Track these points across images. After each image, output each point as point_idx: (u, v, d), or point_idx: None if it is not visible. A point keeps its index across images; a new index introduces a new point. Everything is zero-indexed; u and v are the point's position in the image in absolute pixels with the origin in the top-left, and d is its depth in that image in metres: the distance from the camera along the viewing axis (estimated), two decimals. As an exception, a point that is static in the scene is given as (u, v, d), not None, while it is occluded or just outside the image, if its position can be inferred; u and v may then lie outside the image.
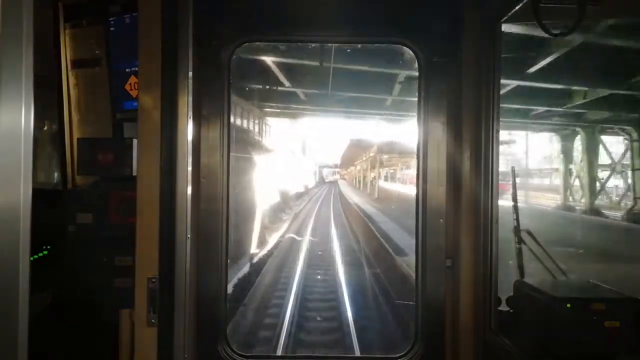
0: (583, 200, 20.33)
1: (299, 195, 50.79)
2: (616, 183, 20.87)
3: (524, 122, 18.13)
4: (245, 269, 10.29)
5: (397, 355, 3.11)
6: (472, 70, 2.89)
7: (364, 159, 46.20)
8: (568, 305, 2.38)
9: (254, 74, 11.33)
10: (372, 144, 35.87)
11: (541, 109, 16.28)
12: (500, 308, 2.79)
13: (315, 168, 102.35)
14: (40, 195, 1.58)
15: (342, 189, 66.24)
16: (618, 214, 18.83)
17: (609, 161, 20.33)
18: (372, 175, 44.17)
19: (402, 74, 11.53)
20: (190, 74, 2.68)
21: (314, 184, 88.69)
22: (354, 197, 35.22)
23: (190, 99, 2.68)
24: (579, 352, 2.36)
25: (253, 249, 12.13)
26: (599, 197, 20.34)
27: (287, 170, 43.85)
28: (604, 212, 19.40)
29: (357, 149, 44.60)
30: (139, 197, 2.40)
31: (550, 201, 22.80)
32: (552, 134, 21.34)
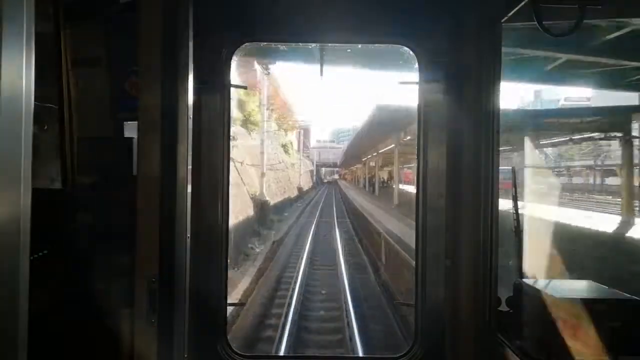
0: None
1: (288, 203, 40.56)
2: None
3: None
4: None
5: (397, 355, 3.11)
6: (473, 70, 2.89)
7: (383, 150, 36.02)
8: (568, 305, 2.38)
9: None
10: (407, 122, 22.46)
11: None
12: (500, 308, 2.79)
13: (312, 167, 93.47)
14: (40, 195, 1.58)
15: (349, 192, 53.61)
16: None
17: None
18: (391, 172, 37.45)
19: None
20: (191, 73, 2.68)
21: (310, 186, 79.57)
22: (381, 217, 20.51)
23: (190, 98, 2.68)
24: (579, 352, 2.36)
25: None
26: None
27: (271, 170, 34.81)
28: None
29: (373, 137, 32.27)
30: (139, 197, 2.40)
31: None
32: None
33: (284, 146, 53.82)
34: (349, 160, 78.66)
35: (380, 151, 39.93)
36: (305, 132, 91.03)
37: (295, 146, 66.48)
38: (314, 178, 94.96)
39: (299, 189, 58.21)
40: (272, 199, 31.81)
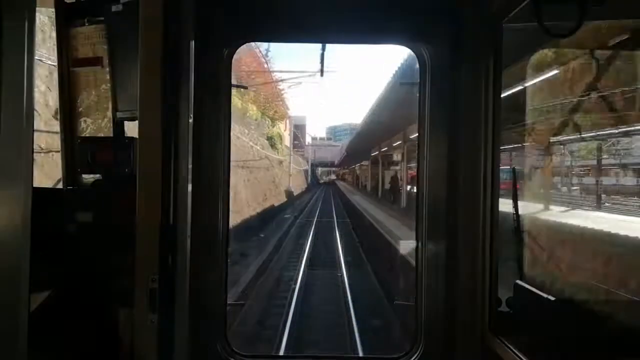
0: None
1: (267, 217, 26.03)
2: None
3: None
4: None
5: (397, 356, 3.11)
6: (474, 70, 2.89)
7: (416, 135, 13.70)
8: (568, 306, 2.38)
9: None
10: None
11: None
12: (500, 309, 2.79)
13: (306, 165, 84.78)
14: (40, 195, 1.58)
15: (356, 202, 34.63)
16: None
17: None
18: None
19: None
20: (191, 73, 2.68)
21: (304, 189, 66.97)
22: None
23: (191, 98, 2.68)
24: (579, 353, 2.36)
25: None
26: None
27: (243, 168, 24.61)
28: None
29: (399, 113, 20.68)
30: (139, 196, 2.40)
31: None
32: None
33: (270, 138, 42.27)
34: (350, 158, 67.68)
35: (412, 136, 25.82)
36: (300, 128, 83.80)
37: (286, 140, 53.99)
38: (309, 179, 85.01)
39: (288, 194, 45.12)
40: (239, 214, 21.23)
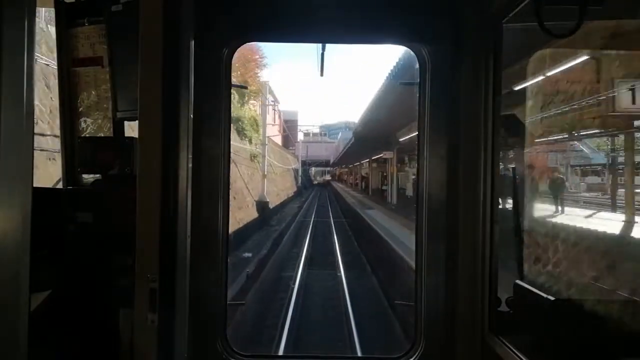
0: None
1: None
2: None
3: None
4: None
5: (397, 356, 3.11)
6: (474, 70, 2.89)
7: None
8: (568, 306, 2.38)
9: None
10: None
11: None
12: (500, 309, 2.79)
13: (296, 164, 72.66)
14: (40, 195, 1.58)
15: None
16: None
17: None
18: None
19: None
20: (191, 73, 2.68)
21: (291, 194, 55.43)
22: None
23: (191, 98, 2.68)
24: (579, 353, 2.36)
25: None
26: None
27: None
28: None
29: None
30: (139, 196, 2.40)
31: None
32: None
33: (236, 121, 29.23)
34: (351, 155, 54.95)
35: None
36: (291, 123, 75.90)
37: (270, 130, 38.93)
38: (299, 180, 71.39)
39: (261, 207, 29.05)
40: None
